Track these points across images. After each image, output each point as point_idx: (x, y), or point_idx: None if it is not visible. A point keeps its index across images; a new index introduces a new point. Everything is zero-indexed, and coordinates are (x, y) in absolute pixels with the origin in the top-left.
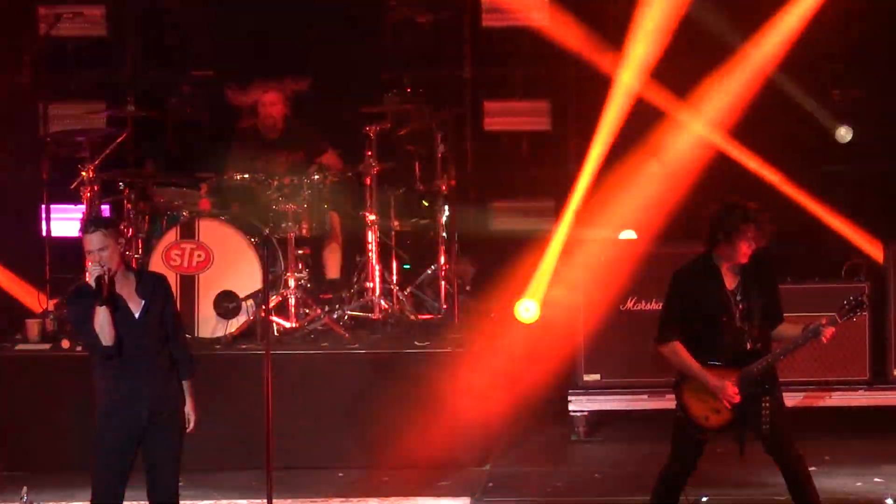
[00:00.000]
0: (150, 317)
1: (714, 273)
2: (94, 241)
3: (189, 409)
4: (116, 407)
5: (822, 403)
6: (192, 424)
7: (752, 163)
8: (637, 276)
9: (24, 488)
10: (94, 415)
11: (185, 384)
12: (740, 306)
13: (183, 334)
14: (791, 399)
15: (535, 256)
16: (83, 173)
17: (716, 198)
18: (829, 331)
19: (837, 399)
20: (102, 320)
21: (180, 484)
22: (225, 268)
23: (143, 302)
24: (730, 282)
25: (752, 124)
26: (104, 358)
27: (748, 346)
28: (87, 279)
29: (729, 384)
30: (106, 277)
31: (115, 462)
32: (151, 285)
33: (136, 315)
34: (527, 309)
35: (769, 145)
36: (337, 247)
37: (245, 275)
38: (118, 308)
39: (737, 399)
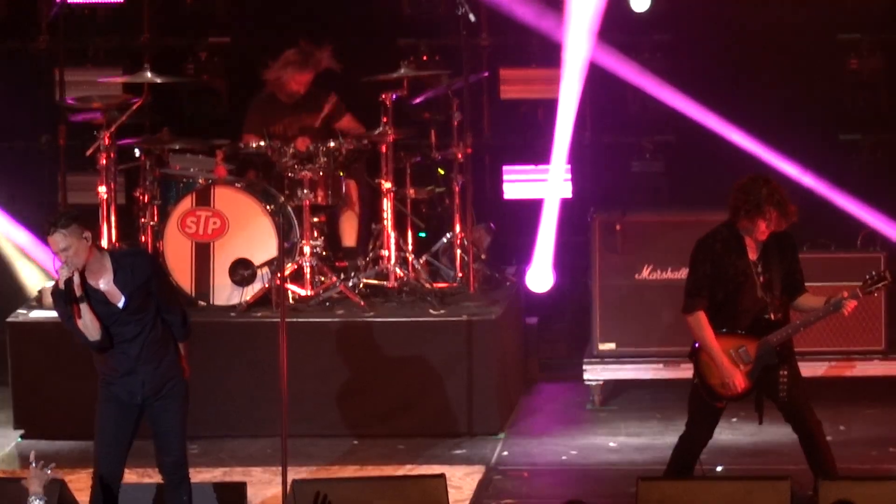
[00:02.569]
0: (135, 302)
1: (738, 242)
2: (57, 241)
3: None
4: (113, 382)
5: (837, 373)
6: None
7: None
8: (653, 245)
9: (32, 453)
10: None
11: (181, 345)
12: (761, 277)
13: (175, 300)
14: (806, 369)
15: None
16: (100, 140)
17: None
18: (850, 304)
19: (853, 368)
20: (85, 319)
21: (194, 451)
22: (240, 235)
23: (124, 292)
24: (752, 252)
25: (763, 91)
26: (97, 350)
27: (768, 317)
28: (58, 284)
29: (739, 374)
30: (75, 278)
31: (114, 432)
32: (130, 270)
33: (120, 305)
34: (539, 277)
35: (782, 112)
36: (353, 214)
37: (260, 242)
38: (99, 301)
39: (740, 391)
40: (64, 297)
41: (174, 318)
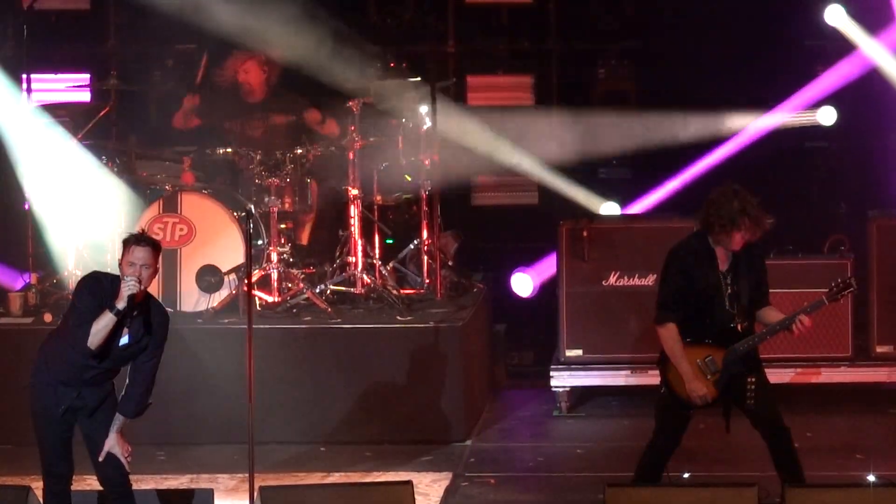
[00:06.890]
0: (129, 351)
1: (709, 253)
2: (143, 255)
3: (118, 444)
4: (44, 387)
5: (804, 380)
6: (129, 456)
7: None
8: (620, 252)
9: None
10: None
11: (120, 418)
12: (729, 289)
13: (153, 375)
14: (774, 376)
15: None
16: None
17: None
18: (806, 322)
19: (819, 375)
20: (103, 328)
21: (161, 458)
22: (207, 242)
23: (131, 336)
24: (722, 264)
25: (729, 97)
26: (73, 348)
27: (735, 326)
28: (122, 291)
29: (704, 387)
30: (136, 295)
31: (52, 433)
32: (154, 323)
33: (120, 343)
34: (522, 282)
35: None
36: (311, 214)
37: (227, 249)
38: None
39: (708, 401)
40: (104, 292)
41: (139, 392)
